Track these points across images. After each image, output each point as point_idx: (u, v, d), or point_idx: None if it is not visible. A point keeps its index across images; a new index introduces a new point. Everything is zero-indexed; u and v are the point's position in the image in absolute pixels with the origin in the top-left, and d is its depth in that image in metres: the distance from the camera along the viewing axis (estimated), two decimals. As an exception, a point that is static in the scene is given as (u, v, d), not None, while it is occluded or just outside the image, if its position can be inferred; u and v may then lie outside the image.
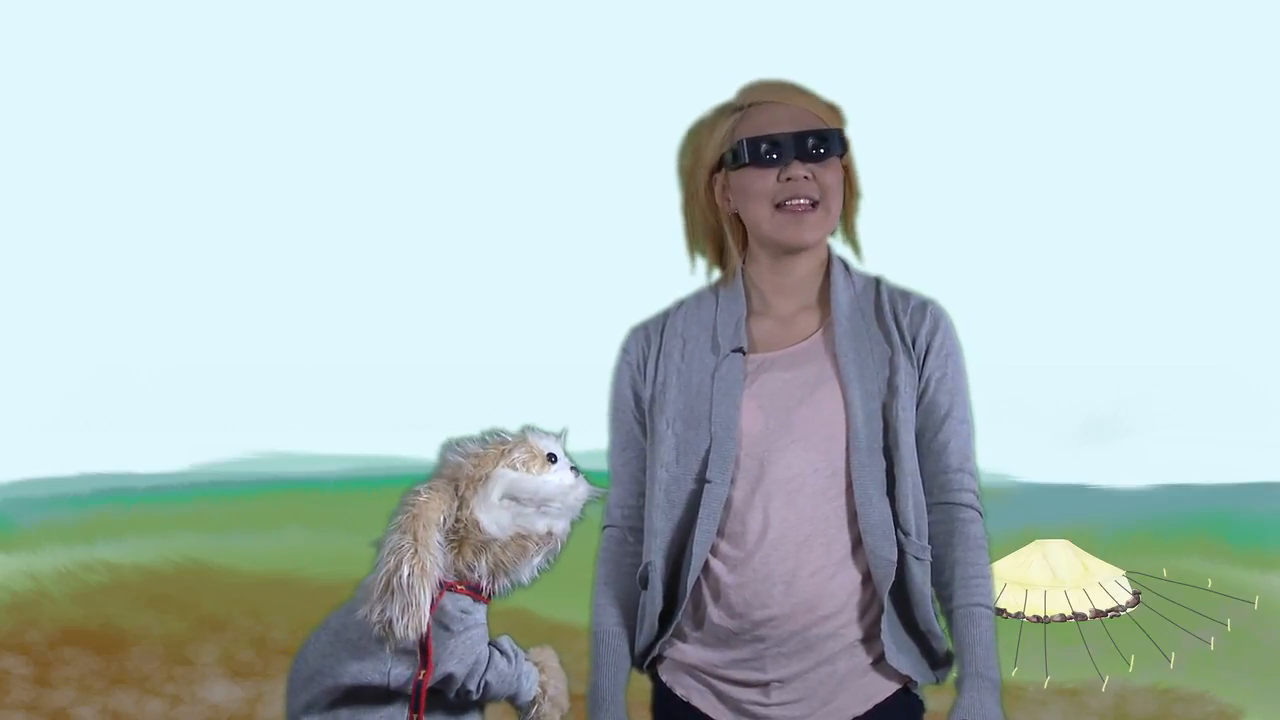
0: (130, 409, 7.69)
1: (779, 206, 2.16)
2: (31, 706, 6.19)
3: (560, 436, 2.02)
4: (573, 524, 2.04)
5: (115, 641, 6.61)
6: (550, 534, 1.98)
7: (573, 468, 1.99)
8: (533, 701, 2.01)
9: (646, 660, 2.24)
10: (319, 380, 7.67)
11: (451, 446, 1.98)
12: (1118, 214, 7.46)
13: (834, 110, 2.20)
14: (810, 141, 2.13)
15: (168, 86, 7.50)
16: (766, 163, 2.14)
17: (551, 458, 1.97)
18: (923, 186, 6.93)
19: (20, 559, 7.20)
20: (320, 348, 7.58)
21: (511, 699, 2.00)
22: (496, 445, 1.96)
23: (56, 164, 7.50)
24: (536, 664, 2.02)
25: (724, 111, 2.19)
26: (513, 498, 1.94)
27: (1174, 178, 7.31)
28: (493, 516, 1.93)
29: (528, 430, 2.00)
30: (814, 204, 2.16)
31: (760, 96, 2.17)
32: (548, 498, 1.96)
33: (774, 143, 2.14)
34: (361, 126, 7.58)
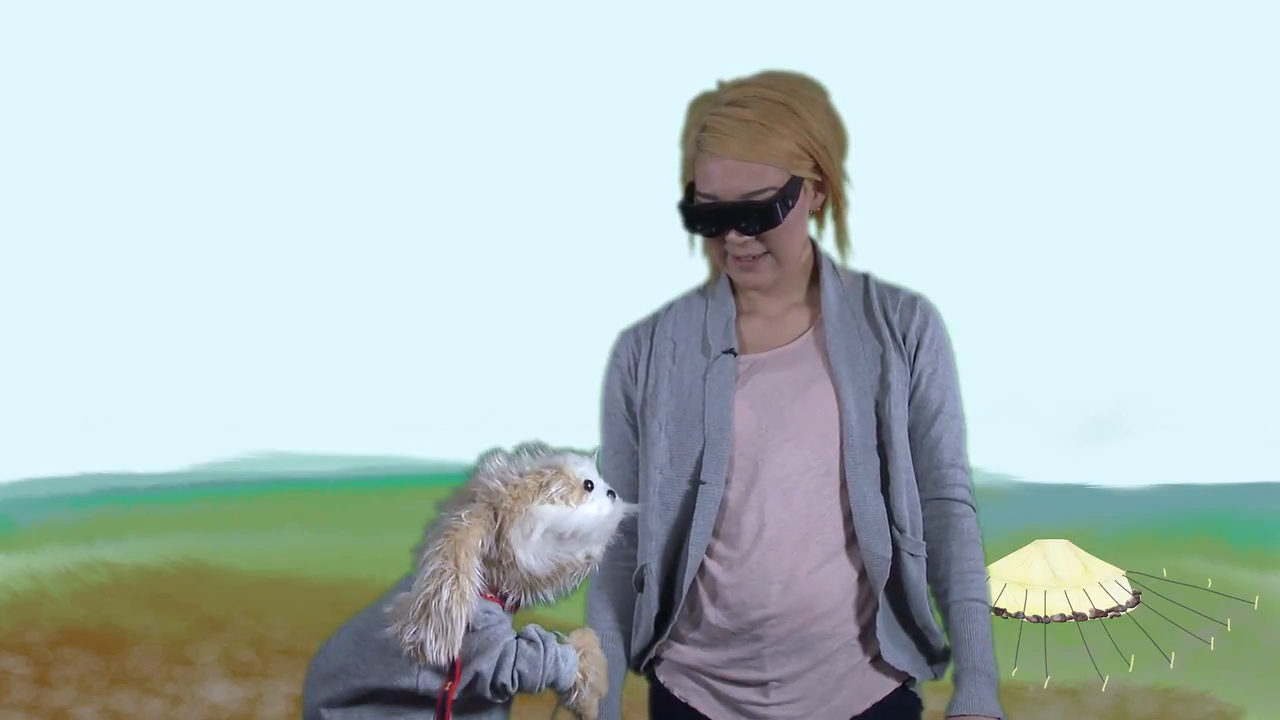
0: (130, 409, 7.69)
1: (727, 255, 2.15)
2: (31, 706, 6.19)
3: (593, 456, 2.00)
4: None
5: (115, 641, 6.61)
6: (589, 559, 1.95)
7: (608, 491, 1.97)
8: (573, 686, 1.93)
9: (643, 662, 2.24)
10: (319, 380, 7.67)
11: (488, 465, 1.93)
12: (1117, 214, 7.46)
13: (798, 142, 2.10)
14: (742, 223, 2.10)
15: (168, 86, 7.50)
16: (703, 234, 2.14)
17: (589, 485, 1.95)
18: (922, 186, 6.93)
19: (20, 559, 7.20)
20: (320, 348, 7.58)
21: (553, 685, 1.93)
22: (534, 476, 1.94)
23: (56, 164, 7.50)
24: (578, 648, 1.95)
25: (694, 124, 2.13)
26: (553, 533, 1.93)
27: (1173, 178, 7.31)
28: (532, 552, 1.92)
29: (563, 455, 1.98)
30: (762, 254, 2.14)
31: (709, 142, 2.09)
32: (588, 532, 1.93)
33: (706, 219, 2.11)
34: (361, 127, 7.59)
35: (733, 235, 2.11)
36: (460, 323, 7.56)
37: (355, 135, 7.56)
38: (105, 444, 7.58)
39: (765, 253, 2.14)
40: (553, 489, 1.92)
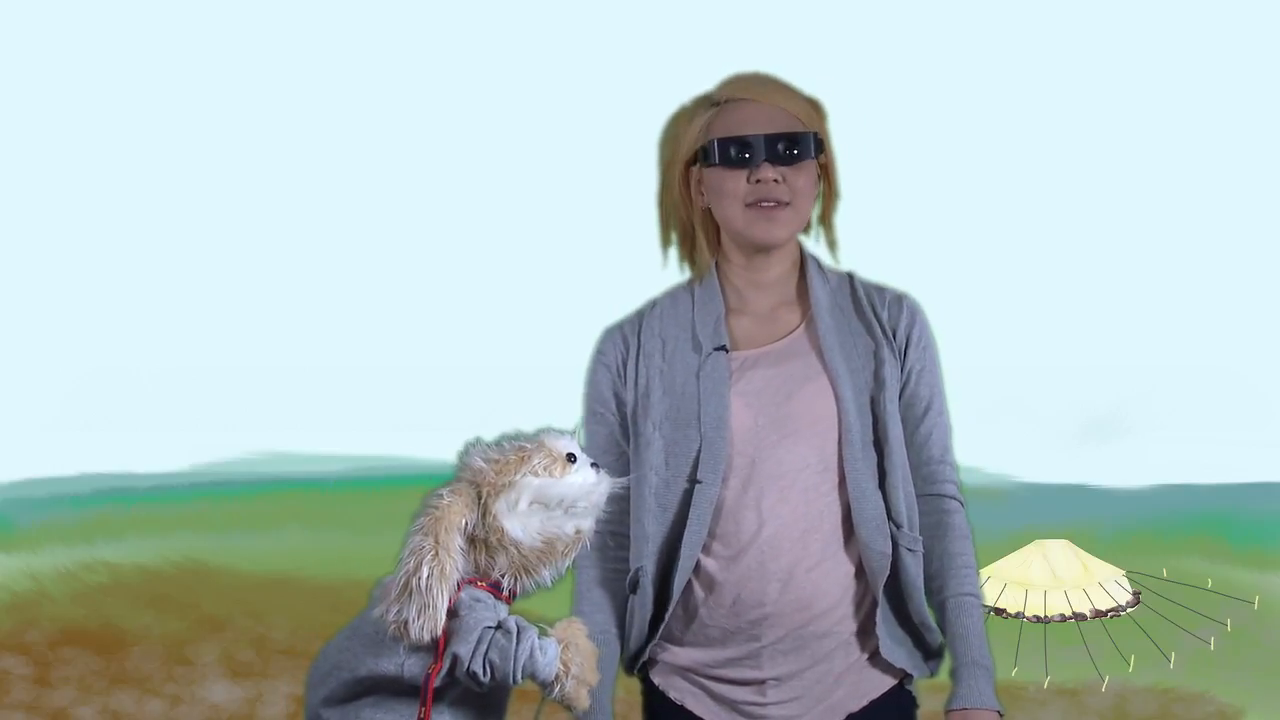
0: (130, 409, 7.68)
1: (749, 205, 2.16)
2: (31, 706, 6.19)
3: (574, 434, 2.00)
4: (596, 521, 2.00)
5: (115, 641, 6.61)
6: (578, 533, 1.93)
7: (592, 464, 1.97)
8: (555, 679, 1.90)
9: (636, 664, 2.24)
10: (319, 380, 7.66)
11: (471, 449, 1.95)
12: (1117, 213, 7.45)
13: (814, 107, 2.19)
14: (780, 145, 2.12)
15: (167, 86, 7.50)
16: (736, 164, 2.13)
17: (571, 458, 1.94)
18: (920, 185, 6.93)
19: (20, 559, 7.20)
20: (320, 348, 7.58)
21: (532, 677, 1.90)
22: (516, 451, 1.94)
23: (55, 164, 7.50)
24: (561, 640, 1.92)
25: (702, 104, 2.18)
26: (540, 503, 1.93)
27: (1173, 177, 7.30)
28: (520, 524, 1.90)
29: (543, 432, 1.98)
30: (785, 204, 2.15)
31: (737, 92, 2.16)
32: (574, 500, 1.92)
33: (744, 144, 2.12)
34: (360, 127, 7.58)
35: (765, 169, 2.12)
36: (459, 323, 7.56)
37: (354, 136, 7.57)
38: (105, 444, 7.58)
39: (788, 203, 2.14)
40: (535, 461, 1.91)
